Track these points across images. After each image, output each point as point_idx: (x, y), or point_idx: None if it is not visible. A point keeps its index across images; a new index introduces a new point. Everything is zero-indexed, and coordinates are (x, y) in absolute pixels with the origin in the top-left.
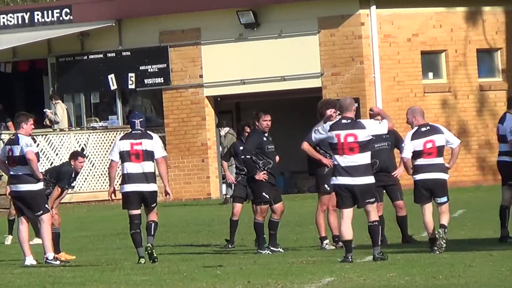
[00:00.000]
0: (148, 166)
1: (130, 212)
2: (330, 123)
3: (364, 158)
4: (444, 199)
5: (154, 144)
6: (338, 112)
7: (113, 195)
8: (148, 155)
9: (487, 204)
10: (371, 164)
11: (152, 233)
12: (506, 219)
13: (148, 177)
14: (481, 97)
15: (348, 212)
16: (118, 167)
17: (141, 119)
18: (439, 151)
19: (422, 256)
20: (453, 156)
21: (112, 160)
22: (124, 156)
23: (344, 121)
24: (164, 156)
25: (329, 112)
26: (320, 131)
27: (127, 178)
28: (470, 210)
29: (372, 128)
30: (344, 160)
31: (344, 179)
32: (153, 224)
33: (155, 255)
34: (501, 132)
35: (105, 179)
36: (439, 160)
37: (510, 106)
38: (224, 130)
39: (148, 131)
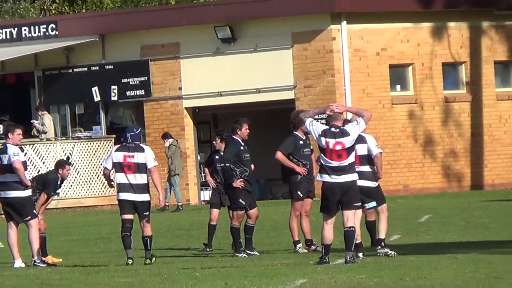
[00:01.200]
0: (139, 178)
1: (122, 216)
2: (323, 127)
3: (350, 159)
4: (372, 204)
5: (146, 156)
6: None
7: (112, 184)
8: (140, 167)
9: (452, 209)
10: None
11: (149, 248)
12: None
13: (139, 188)
14: (446, 108)
15: (332, 219)
16: (112, 174)
17: (132, 133)
18: (361, 159)
19: (390, 259)
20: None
21: (105, 167)
22: (117, 167)
23: (333, 129)
24: (155, 166)
25: (330, 110)
26: (314, 129)
27: (120, 187)
28: (436, 215)
29: (354, 132)
30: (331, 163)
31: (330, 178)
32: (148, 239)
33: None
34: None
35: (89, 186)
36: (364, 168)
37: None
38: (168, 142)
39: (140, 144)
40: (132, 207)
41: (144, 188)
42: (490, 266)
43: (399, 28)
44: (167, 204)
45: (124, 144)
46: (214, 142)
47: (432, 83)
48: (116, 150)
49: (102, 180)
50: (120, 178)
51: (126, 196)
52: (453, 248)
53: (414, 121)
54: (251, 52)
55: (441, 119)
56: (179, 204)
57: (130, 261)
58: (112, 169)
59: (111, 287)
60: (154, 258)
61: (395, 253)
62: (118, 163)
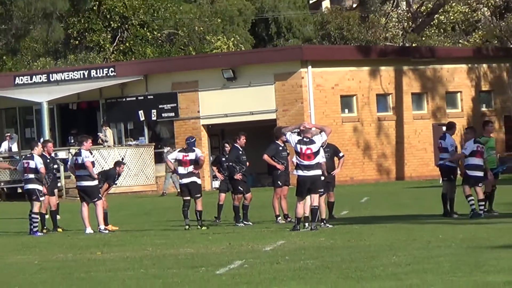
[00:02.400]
0: (191, 168)
1: (183, 198)
2: (298, 137)
3: (316, 160)
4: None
5: (196, 155)
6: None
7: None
8: (192, 162)
9: (383, 194)
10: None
11: (199, 219)
12: (446, 202)
13: (192, 174)
14: (379, 125)
15: (303, 200)
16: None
17: (189, 141)
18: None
19: (341, 227)
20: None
21: (169, 159)
22: (178, 163)
23: (305, 139)
24: (202, 156)
25: (303, 127)
26: (292, 139)
27: (180, 176)
28: (372, 197)
29: (318, 141)
30: (304, 162)
31: (303, 172)
32: (198, 213)
33: (204, 227)
34: (443, 145)
35: (137, 178)
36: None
37: (448, 129)
38: (166, 149)
39: (193, 147)
40: (188, 191)
41: (195, 175)
42: (409, 232)
43: (346, 70)
44: (165, 192)
45: (183, 148)
46: (225, 147)
47: (369, 108)
48: (178, 151)
49: (146, 174)
50: (179, 170)
51: (183, 181)
52: (384, 220)
53: (357, 133)
54: (247, 87)
55: (375, 132)
56: (164, 191)
57: (187, 227)
58: (174, 161)
59: (151, 245)
60: (204, 227)
61: (332, 225)
62: (178, 160)
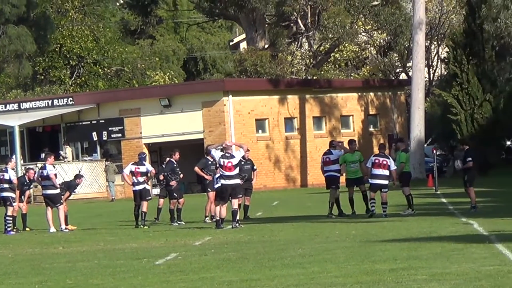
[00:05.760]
0: (142, 179)
1: (135, 203)
2: (221, 153)
3: (236, 171)
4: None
5: (147, 168)
6: (223, 147)
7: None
8: (143, 174)
9: (290, 198)
10: (243, 177)
11: (143, 218)
12: (336, 204)
13: (142, 183)
14: (286, 143)
15: (225, 204)
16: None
17: (141, 157)
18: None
19: (257, 225)
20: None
21: (125, 172)
22: (131, 173)
23: (227, 154)
24: (150, 171)
25: (225, 144)
26: (216, 155)
27: (133, 185)
28: (281, 201)
29: (237, 156)
30: (226, 173)
31: (225, 181)
32: (143, 213)
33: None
34: (331, 159)
35: (91, 188)
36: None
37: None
38: (105, 163)
39: (144, 162)
40: (139, 196)
41: (144, 183)
42: (312, 229)
43: (260, 99)
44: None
45: (135, 162)
46: (171, 158)
47: (278, 129)
48: (131, 164)
49: (98, 183)
50: (133, 179)
51: (137, 188)
52: (291, 219)
53: (269, 150)
54: (180, 113)
55: (284, 149)
56: (113, 197)
57: (141, 227)
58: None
59: (103, 241)
60: (146, 226)
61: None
62: (131, 171)
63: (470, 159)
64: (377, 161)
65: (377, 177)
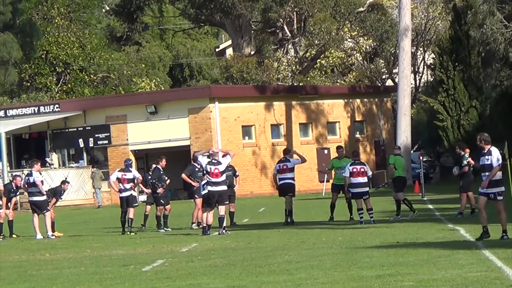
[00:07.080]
0: (128, 185)
1: (122, 209)
2: (208, 159)
3: (223, 177)
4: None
5: (133, 175)
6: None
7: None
8: (130, 180)
9: (277, 205)
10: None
11: (129, 225)
12: (289, 213)
13: (129, 190)
14: (273, 149)
15: (212, 210)
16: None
17: (127, 163)
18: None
19: (243, 232)
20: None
21: (111, 179)
22: (118, 180)
23: (213, 161)
24: (137, 177)
25: (212, 151)
26: (203, 161)
27: (120, 191)
28: (268, 208)
29: (225, 162)
30: (212, 179)
31: (212, 188)
32: (130, 220)
33: (132, 233)
34: (289, 166)
35: (78, 194)
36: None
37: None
38: (92, 169)
39: (130, 168)
40: (126, 203)
41: (131, 189)
42: (298, 236)
43: (247, 105)
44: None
45: (122, 168)
46: (158, 164)
47: (265, 135)
48: (118, 171)
49: (85, 190)
50: (120, 186)
51: (123, 194)
52: (278, 226)
53: (255, 156)
54: (166, 119)
55: (270, 155)
56: (99, 203)
57: (127, 233)
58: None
59: (89, 248)
60: (132, 233)
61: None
62: (118, 178)
63: (466, 163)
64: (355, 170)
65: (358, 185)
